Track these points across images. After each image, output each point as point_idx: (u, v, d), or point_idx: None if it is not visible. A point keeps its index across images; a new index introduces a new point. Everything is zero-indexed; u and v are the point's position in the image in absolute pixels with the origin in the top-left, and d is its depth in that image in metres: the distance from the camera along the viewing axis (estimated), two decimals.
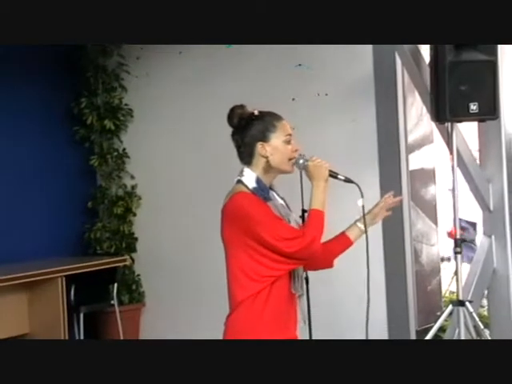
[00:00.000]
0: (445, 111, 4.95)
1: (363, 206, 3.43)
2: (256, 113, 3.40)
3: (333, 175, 3.40)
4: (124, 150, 7.42)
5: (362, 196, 3.39)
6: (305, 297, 3.55)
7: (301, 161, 3.38)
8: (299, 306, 3.44)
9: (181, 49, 6.94)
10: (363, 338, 3.41)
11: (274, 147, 3.35)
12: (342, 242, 3.58)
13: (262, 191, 3.33)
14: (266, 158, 3.35)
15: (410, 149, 6.28)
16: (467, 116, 4.99)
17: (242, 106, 3.43)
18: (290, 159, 3.37)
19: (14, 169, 6.83)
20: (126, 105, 7.37)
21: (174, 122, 7.11)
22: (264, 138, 3.35)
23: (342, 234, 3.58)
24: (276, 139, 3.35)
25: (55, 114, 7.22)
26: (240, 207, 3.28)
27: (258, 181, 3.34)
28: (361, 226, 3.54)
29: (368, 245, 3.43)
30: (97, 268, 6.64)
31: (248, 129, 3.37)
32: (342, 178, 3.42)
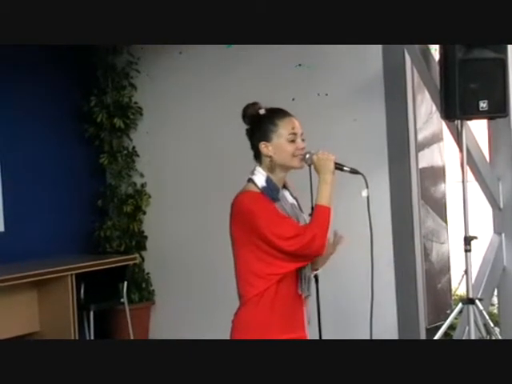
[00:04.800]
0: (454, 109, 4.94)
1: (368, 197, 3.40)
2: (261, 112, 3.40)
3: (338, 167, 3.39)
4: (133, 148, 7.43)
5: (367, 186, 3.37)
6: (313, 297, 3.55)
7: (307, 155, 3.39)
8: (305, 307, 3.44)
9: (181, 49, 6.95)
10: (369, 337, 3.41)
11: (276, 146, 3.35)
12: None
13: (271, 191, 3.33)
14: (270, 157, 3.36)
15: (420, 147, 6.27)
16: (477, 114, 4.98)
17: (253, 105, 3.43)
18: (295, 156, 3.36)
19: (23, 167, 6.84)
20: (135, 103, 7.38)
21: (184, 120, 7.12)
22: (266, 138, 3.36)
23: None
24: (278, 138, 3.35)
25: (65, 112, 7.23)
26: (244, 206, 3.30)
27: (268, 180, 3.35)
28: None
29: (372, 244, 3.42)
30: (107, 266, 6.66)
31: (254, 130, 3.40)
32: (348, 169, 3.40)
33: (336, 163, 3.38)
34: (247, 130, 3.43)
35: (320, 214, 3.31)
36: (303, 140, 3.40)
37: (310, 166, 3.40)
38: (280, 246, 3.25)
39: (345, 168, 3.40)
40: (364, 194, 3.39)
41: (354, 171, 3.40)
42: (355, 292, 5.95)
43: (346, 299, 6.15)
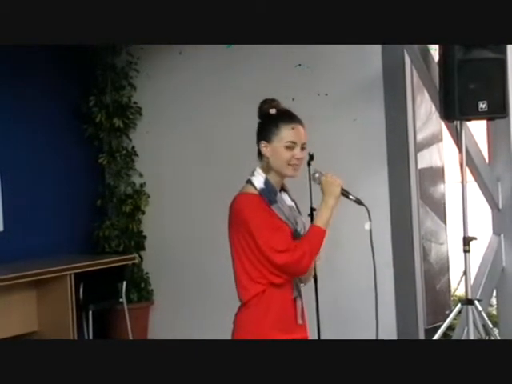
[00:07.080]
0: (454, 109, 4.94)
1: (371, 230, 3.38)
2: (272, 112, 3.38)
3: (344, 194, 3.38)
4: (133, 148, 7.42)
5: (370, 219, 3.35)
6: (312, 298, 3.55)
7: (316, 174, 3.38)
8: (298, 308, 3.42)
9: (181, 49, 6.95)
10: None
11: (274, 149, 3.34)
12: None
13: (269, 193, 3.32)
14: (267, 158, 3.36)
15: (419, 147, 6.27)
16: (476, 114, 4.98)
17: (271, 101, 3.42)
18: (290, 164, 3.34)
19: (22, 167, 6.84)
20: (134, 103, 7.38)
21: (183, 120, 7.12)
22: (267, 139, 3.35)
23: None
24: (277, 142, 3.34)
25: (64, 112, 7.23)
26: (241, 210, 3.31)
27: (267, 182, 3.34)
28: None
29: (375, 274, 3.41)
30: (105, 266, 6.65)
31: (260, 127, 3.39)
32: (353, 198, 3.38)
33: (343, 189, 3.36)
34: (258, 124, 3.44)
35: (314, 234, 3.31)
36: (303, 149, 3.37)
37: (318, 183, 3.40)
38: (270, 257, 3.26)
39: (350, 196, 3.39)
40: (367, 226, 3.36)
41: (358, 201, 3.38)
42: (354, 293, 5.95)
43: (345, 300, 6.14)
